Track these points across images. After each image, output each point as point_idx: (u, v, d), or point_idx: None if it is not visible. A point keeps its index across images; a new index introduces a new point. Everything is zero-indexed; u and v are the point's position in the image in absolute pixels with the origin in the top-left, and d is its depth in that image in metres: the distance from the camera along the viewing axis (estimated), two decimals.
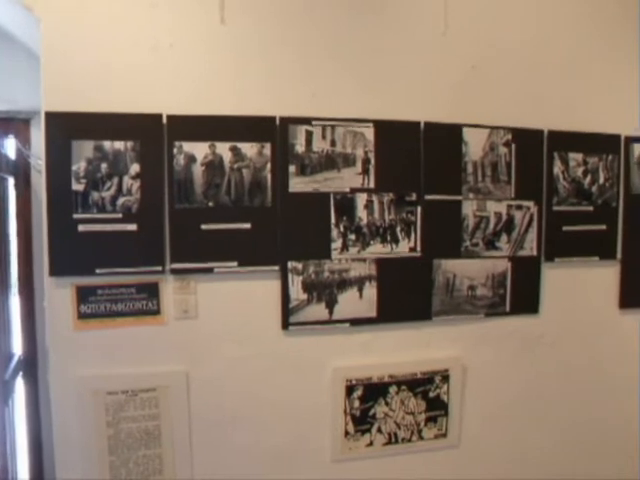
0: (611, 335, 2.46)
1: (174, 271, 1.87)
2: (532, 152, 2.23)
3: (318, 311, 1.99)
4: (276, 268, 1.96)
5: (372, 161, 1.99)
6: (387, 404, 2.11)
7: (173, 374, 1.93)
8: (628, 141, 2.37)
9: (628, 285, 2.42)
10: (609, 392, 2.50)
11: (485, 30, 2.19)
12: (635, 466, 2.55)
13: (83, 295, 1.81)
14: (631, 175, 2.38)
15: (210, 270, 1.89)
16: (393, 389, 2.11)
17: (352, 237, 1.99)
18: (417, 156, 2.06)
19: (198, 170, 1.84)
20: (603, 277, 2.42)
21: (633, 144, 2.37)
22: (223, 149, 1.87)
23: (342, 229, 1.97)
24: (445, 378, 2.17)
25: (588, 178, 2.30)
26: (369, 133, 1.98)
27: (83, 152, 1.76)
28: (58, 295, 1.81)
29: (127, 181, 1.79)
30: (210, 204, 1.86)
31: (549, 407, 2.41)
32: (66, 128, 1.75)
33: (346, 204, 1.99)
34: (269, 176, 1.92)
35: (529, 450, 2.41)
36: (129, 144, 1.79)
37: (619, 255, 2.42)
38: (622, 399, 2.53)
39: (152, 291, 1.87)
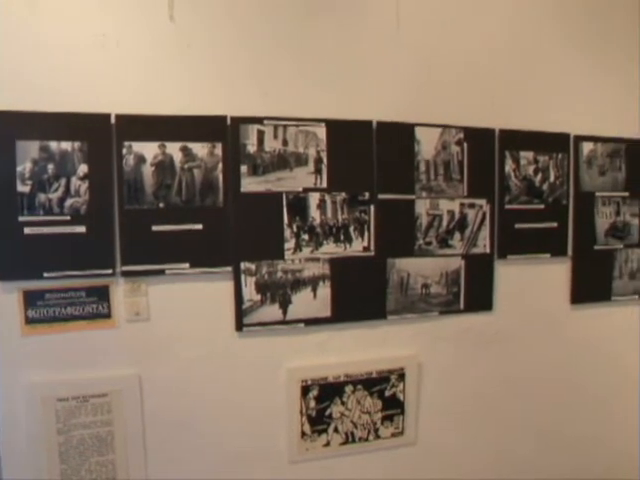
0: (563, 330, 2.56)
1: (125, 273, 1.88)
2: (484, 151, 2.30)
3: (272, 312, 2.02)
4: (229, 269, 1.98)
5: (324, 160, 2.02)
6: (343, 404, 2.15)
7: (125, 378, 1.94)
8: (577, 140, 2.45)
9: (579, 281, 2.53)
10: (563, 386, 2.61)
11: (437, 28, 2.24)
12: (592, 453, 2.64)
13: (30, 300, 1.81)
14: (580, 173, 2.48)
15: (162, 272, 1.91)
16: (349, 388, 2.15)
17: (305, 237, 2.02)
18: (370, 155, 2.11)
19: (148, 170, 1.85)
20: (555, 274, 2.51)
21: (582, 143, 2.47)
22: (173, 149, 1.88)
23: (295, 229, 2.00)
24: (401, 376, 2.22)
25: (539, 176, 2.38)
26: (321, 132, 2.02)
27: (28, 153, 1.75)
28: (4, 300, 1.82)
29: (75, 182, 1.79)
30: (161, 205, 1.87)
31: (505, 403, 2.50)
32: (10, 128, 1.74)
33: (299, 204, 2.02)
34: (221, 176, 1.94)
35: (486, 446, 2.49)
36: (76, 144, 1.80)
37: (570, 252, 2.49)
38: (575, 392, 2.64)
39: (102, 294, 1.88)
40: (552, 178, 2.40)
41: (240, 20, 1.99)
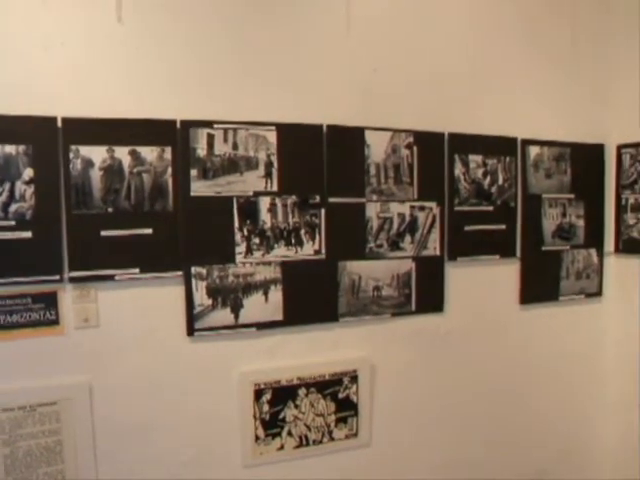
0: (513, 330, 2.66)
1: (73, 279, 1.88)
2: (433, 154, 2.38)
3: (223, 316, 2.06)
4: (179, 274, 2.01)
5: (275, 164, 2.07)
6: (297, 407, 2.19)
7: (75, 386, 1.93)
8: (524, 144, 2.56)
9: (527, 282, 2.63)
10: (514, 384, 2.72)
11: (388, 32, 2.30)
12: (542, 448, 2.75)
13: None
14: (528, 176, 2.59)
15: (111, 277, 1.92)
16: (302, 391, 2.19)
17: (256, 241, 2.06)
18: (320, 159, 2.16)
19: (96, 175, 1.87)
20: (504, 274, 2.61)
21: (529, 146, 2.57)
22: (122, 153, 1.90)
23: (246, 233, 2.04)
24: (354, 378, 2.28)
25: (488, 179, 2.48)
26: (271, 136, 2.06)
27: None
28: None
29: (20, 186, 1.79)
30: (110, 210, 1.88)
31: (457, 402, 2.58)
32: None
33: (249, 208, 2.06)
34: (170, 180, 1.96)
35: (439, 446, 2.57)
36: (21, 148, 1.79)
37: (518, 253, 2.59)
38: (525, 390, 2.75)
39: (50, 301, 1.88)
40: (500, 181, 2.50)
41: (190, 23, 2.01)
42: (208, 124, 1.99)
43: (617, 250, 2.84)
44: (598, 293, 2.87)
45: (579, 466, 2.94)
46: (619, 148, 2.80)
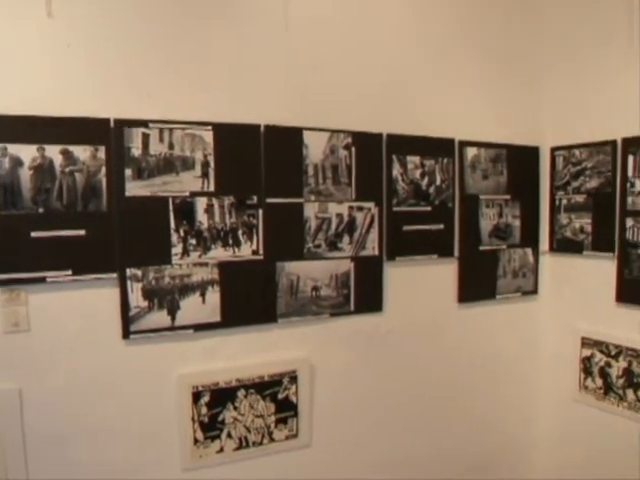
0: (451, 329, 2.75)
1: (1, 282, 1.86)
2: (371, 155, 2.44)
3: (160, 318, 2.06)
4: (114, 275, 2.00)
5: (212, 164, 2.08)
6: (236, 408, 2.21)
7: (3, 392, 1.90)
8: (462, 145, 2.65)
9: (465, 281, 2.72)
10: (453, 382, 2.81)
11: (327, 33, 2.34)
12: (481, 441, 2.85)
13: None
14: (465, 177, 2.67)
15: (42, 280, 1.90)
16: (241, 393, 2.21)
17: (193, 242, 2.07)
18: (258, 159, 2.18)
19: (26, 174, 1.84)
20: (442, 274, 2.69)
21: (466, 148, 2.66)
22: (53, 152, 1.88)
23: (182, 233, 2.05)
24: (293, 379, 2.31)
25: (426, 180, 2.55)
26: (208, 136, 2.07)
27: None
28: None
29: None
30: (40, 210, 1.86)
31: (398, 401, 2.65)
32: None
33: (186, 208, 2.07)
34: (104, 180, 1.96)
35: (380, 445, 2.63)
36: None
37: (456, 252, 2.68)
38: (465, 388, 2.87)
39: None
40: (438, 181, 2.58)
41: (122, 17, 1.99)
42: (143, 123, 1.99)
43: (551, 249, 2.96)
44: (534, 291, 2.98)
45: (514, 463, 3.06)
46: (553, 150, 2.92)
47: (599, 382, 2.74)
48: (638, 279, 2.51)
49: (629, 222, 2.54)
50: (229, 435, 2.20)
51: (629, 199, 2.53)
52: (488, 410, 2.93)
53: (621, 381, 2.63)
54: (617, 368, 2.65)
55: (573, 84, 2.81)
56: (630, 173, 2.52)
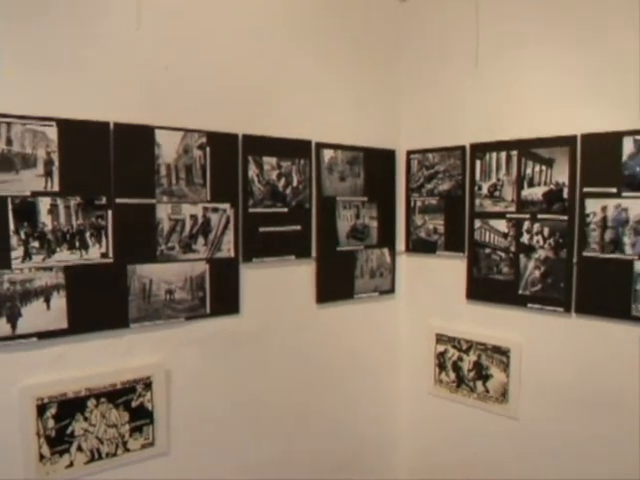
0: (311, 329, 2.86)
1: None
2: (227, 155, 2.48)
3: None
4: None
5: (56, 163, 2.03)
6: (86, 419, 2.16)
7: None
8: (319, 147, 2.76)
9: (323, 281, 2.84)
10: (314, 382, 2.92)
11: (180, 31, 2.35)
12: (342, 440, 2.99)
13: None
14: (322, 178, 2.79)
15: None
16: (92, 403, 2.17)
17: (35, 244, 2.02)
18: (107, 158, 2.16)
19: None
20: (300, 275, 2.79)
21: (323, 150, 2.77)
22: None
23: (23, 236, 1.98)
24: (148, 385, 2.30)
25: (282, 181, 2.64)
26: (52, 132, 2.03)
27: None
28: None
29: None
30: None
31: (260, 403, 2.72)
32: None
33: (27, 209, 2.01)
34: None
35: (241, 450, 2.67)
36: None
37: (314, 253, 2.78)
38: (327, 387, 2.99)
39: None
40: (295, 183, 2.67)
41: None
42: None
43: (408, 249, 3.16)
44: (391, 290, 3.16)
45: (376, 459, 3.25)
46: (408, 154, 3.12)
47: (452, 376, 2.95)
48: (486, 277, 2.74)
49: (477, 223, 2.77)
50: (79, 448, 2.15)
51: (477, 201, 2.76)
52: (349, 409, 3.07)
53: (472, 374, 2.85)
54: (468, 362, 2.87)
55: (428, 94, 3.05)
56: (478, 177, 2.74)
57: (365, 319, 3.04)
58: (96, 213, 2.12)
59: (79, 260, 2.12)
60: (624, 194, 2.29)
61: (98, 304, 2.19)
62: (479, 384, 2.84)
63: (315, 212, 2.79)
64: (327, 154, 2.77)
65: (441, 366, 3.03)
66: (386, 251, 3.08)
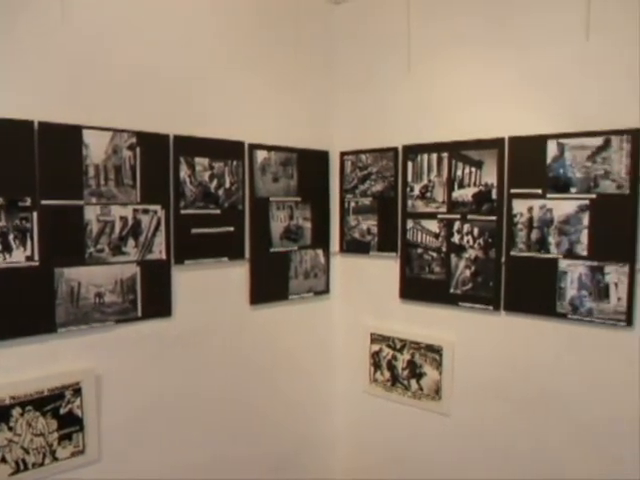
0: (245, 330, 2.87)
1: None
2: (158, 156, 2.46)
3: None
4: None
5: None
6: (11, 429, 2.11)
7: None
8: (252, 148, 2.77)
9: (257, 283, 2.85)
10: (250, 382, 2.94)
11: (108, 27, 2.31)
12: (280, 440, 3.01)
13: None
14: (255, 179, 2.80)
15: None
16: (17, 411, 2.11)
17: None
18: (31, 158, 2.11)
19: None
20: (233, 276, 2.79)
21: (256, 151, 2.79)
22: None
23: None
24: (77, 391, 2.26)
25: (215, 182, 2.64)
26: None
27: None
28: None
29: None
30: None
31: (195, 405, 2.72)
32: None
33: None
34: None
35: (175, 454, 2.66)
36: None
37: (247, 255, 2.79)
38: (264, 387, 3.02)
39: None
40: (228, 184, 2.68)
41: None
42: None
43: (342, 250, 3.21)
44: (326, 291, 3.20)
45: (314, 458, 3.30)
46: (342, 155, 3.17)
47: (387, 374, 3.01)
48: (417, 277, 2.81)
49: (409, 224, 2.84)
50: (3, 459, 2.08)
51: (409, 202, 2.83)
52: (286, 409, 3.10)
53: (406, 372, 2.91)
54: (402, 360, 2.94)
55: (361, 96, 3.12)
56: (410, 178, 2.81)
57: (300, 320, 3.07)
58: (20, 215, 2.07)
59: (2, 263, 2.06)
60: (549, 195, 2.37)
61: (23, 309, 2.13)
62: (413, 382, 2.91)
63: (248, 213, 2.80)
64: (260, 155, 2.78)
65: (376, 365, 3.08)
66: (320, 252, 3.12)
